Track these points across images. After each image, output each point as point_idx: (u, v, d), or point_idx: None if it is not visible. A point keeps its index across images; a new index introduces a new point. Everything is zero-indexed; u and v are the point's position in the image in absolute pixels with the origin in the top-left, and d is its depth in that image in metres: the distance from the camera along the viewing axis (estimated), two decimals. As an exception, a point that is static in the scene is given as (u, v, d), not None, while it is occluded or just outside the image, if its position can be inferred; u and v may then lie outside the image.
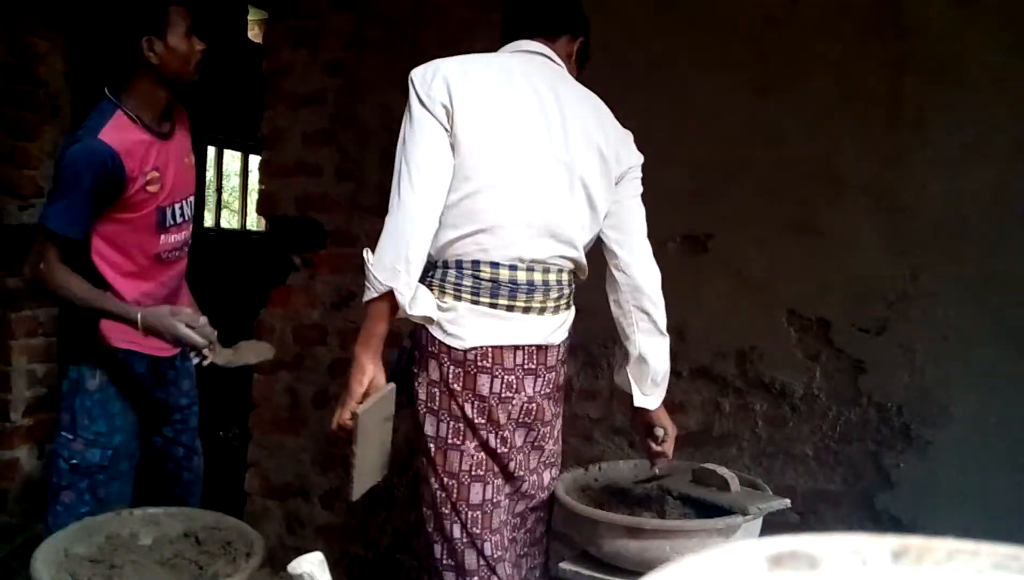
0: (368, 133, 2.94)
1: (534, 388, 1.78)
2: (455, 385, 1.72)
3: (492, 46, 1.90)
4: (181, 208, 2.23)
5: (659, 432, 1.92)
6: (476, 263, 1.71)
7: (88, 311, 2.06)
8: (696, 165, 2.56)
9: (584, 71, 1.96)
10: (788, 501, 1.77)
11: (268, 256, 3.23)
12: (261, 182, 3.17)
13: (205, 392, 2.49)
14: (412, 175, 1.66)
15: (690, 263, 2.58)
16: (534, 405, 1.79)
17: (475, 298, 1.71)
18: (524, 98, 1.73)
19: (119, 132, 2.06)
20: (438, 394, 1.74)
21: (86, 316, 2.11)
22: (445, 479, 1.73)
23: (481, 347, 1.71)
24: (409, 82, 1.69)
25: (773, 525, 1.74)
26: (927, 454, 2.37)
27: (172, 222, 2.20)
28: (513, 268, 1.72)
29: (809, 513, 2.44)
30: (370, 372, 1.71)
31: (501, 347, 1.72)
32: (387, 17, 2.90)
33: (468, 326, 1.71)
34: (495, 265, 1.71)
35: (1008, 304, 2.30)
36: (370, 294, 1.65)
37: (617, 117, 1.90)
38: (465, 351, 1.71)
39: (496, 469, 1.76)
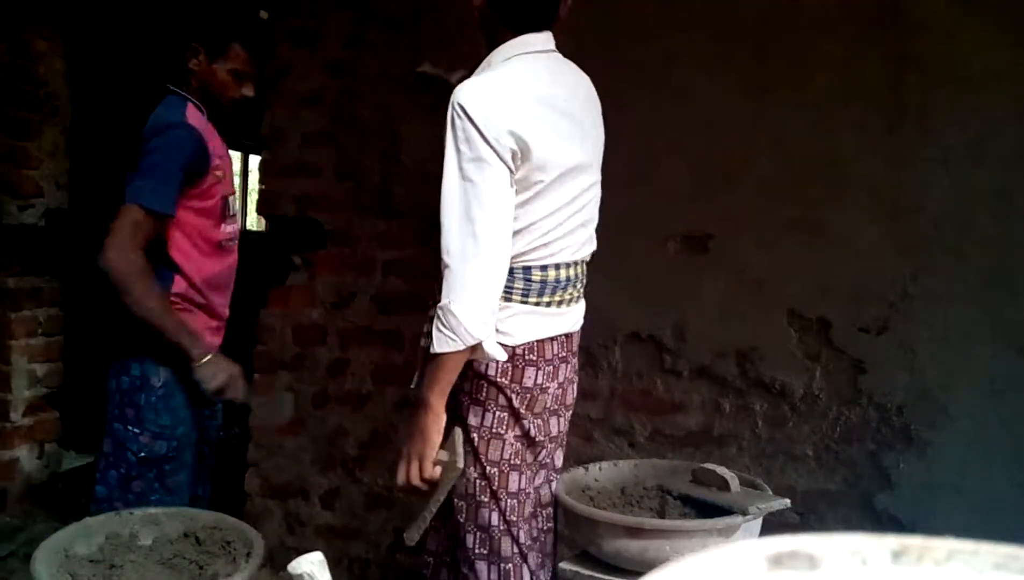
0: (368, 133, 2.94)
1: (564, 374, 1.87)
2: (502, 379, 1.76)
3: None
4: (234, 199, 2.34)
5: None
6: (528, 269, 1.76)
7: (148, 321, 2.08)
8: (696, 164, 2.56)
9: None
10: (788, 501, 1.76)
11: (268, 256, 3.23)
12: (261, 182, 3.17)
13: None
14: (488, 221, 1.63)
15: (690, 263, 2.58)
16: (562, 390, 1.88)
17: (525, 299, 1.77)
18: (562, 112, 1.76)
19: (197, 120, 2.17)
20: (485, 386, 1.77)
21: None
22: (488, 467, 1.77)
23: (528, 342, 1.77)
24: (459, 111, 1.64)
25: (773, 525, 1.74)
26: (927, 454, 2.37)
27: (230, 212, 2.30)
28: (557, 268, 1.80)
29: (809, 513, 2.44)
30: (444, 420, 1.71)
31: (543, 340, 1.80)
32: (387, 17, 2.89)
33: (519, 324, 1.76)
34: (544, 269, 1.78)
35: (1008, 304, 2.30)
36: (455, 346, 1.62)
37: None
38: (514, 347, 1.75)
39: (529, 459, 1.83)
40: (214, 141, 2.23)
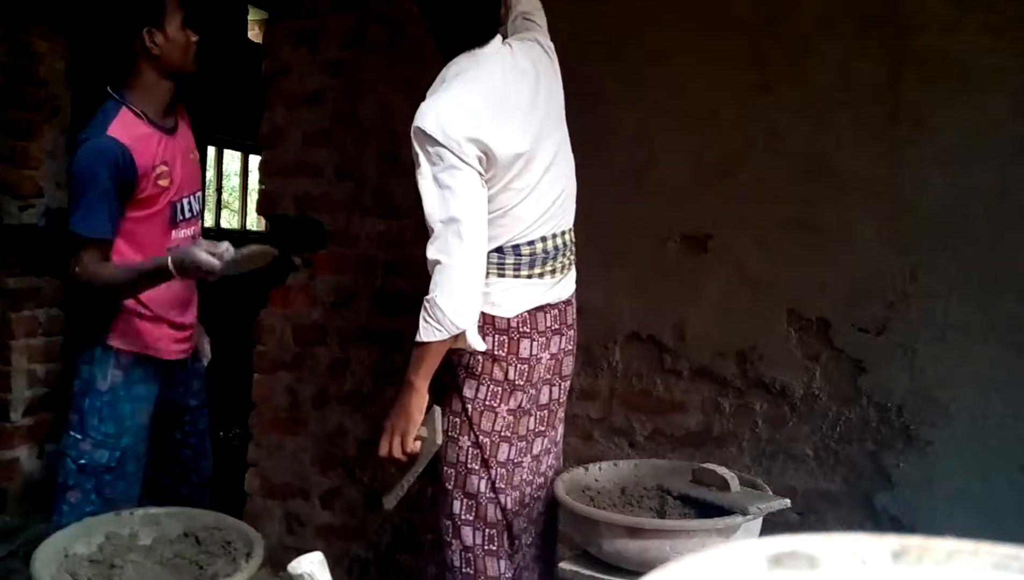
0: (368, 133, 2.94)
1: (559, 345, 2.01)
2: (499, 351, 1.90)
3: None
4: (190, 203, 2.27)
5: None
6: (516, 246, 1.90)
7: (127, 290, 2.09)
8: (695, 163, 2.56)
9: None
10: (788, 501, 1.77)
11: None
12: (261, 182, 3.17)
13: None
14: (466, 225, 1.76)
15: (690, 263, 2.58)
16: (556, 361, 2.01)
17: (517, 272, 1.90)
18: (516, 103, 1.89)
19: (126, 128, 2.08)
20: (481, 360, 1.89)
21: (99, 315, 2.12)
22: (480, 437, 1.90)
23: (522, 314, 1.91)
24: (422, 134, 1.77)
25: (773, 525, 1.74)
26: (927, 454, 2.37)
27: (183, 217, 2.23)
28: (543, 240, 1.93)
29: (809, 513, 2.44)
30: (426, 401, 1.86)
31: (535, 311, 1.93)
32: (387, 17, 2.89)
33: (513, 297, 1.90)
34: (531, 243, 1.91)
35: (1008, 304, 2.30)
36: (439, 335, 1.76)
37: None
38: (509, 319, 1.90)
39: (521, 431, 1.95)
40: (155, 147, 2.13)
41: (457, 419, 1.93)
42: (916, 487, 2.37)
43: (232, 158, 8.73)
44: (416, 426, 1.86)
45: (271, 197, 3.10)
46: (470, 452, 1.91)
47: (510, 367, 1.91)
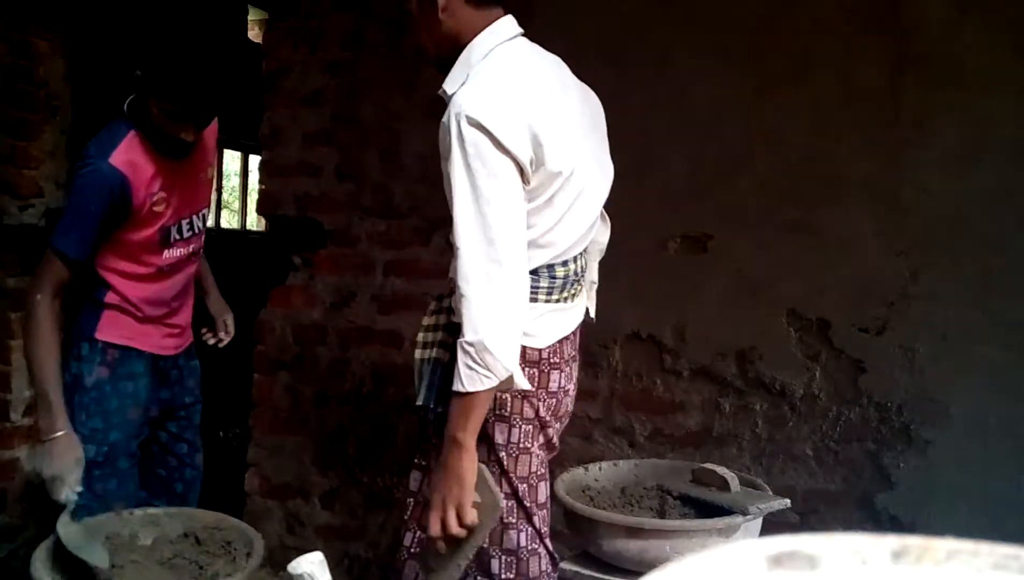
0: (368, 133, 2.94)
1: (575, 374, 1.83)
2: (530, 386, 1.67)
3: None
4: (190, 222, 2.20)
5: None
6: (551, 266, 1.68)
7: (32, 368, 2.05)
8: (695, 165, 2.56)
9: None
10: (788, 501, 1.76)
11: (268, 256, 3.23)
12: (261, 182, 3.17)
13: (205, 392, 2.49)
14: (509, 243, 1.51)
15: (690, 263, 2.58)
16: (574, 393, 1.84)
17: (549, 297, 1.69)
18: (561, 105, 1.67)
19: (130, 154, 2.03)
20: (509, 399, 1.65)
21: (87, 313, 2.12)
22: (518, 484, 1.67)
23: (552, 344, 1.69)
24: (471, 123, 1.50)
25: (773, 525, 1.74)
26: (927, 454, 2.37)
27: (178, 237, 2.18)
28: (575, 260, 1.73)
29: (809, 513, 2.44)
30: (476, 460, 1.57)
31: (563, 339, 1.72)
32: (387, 17, 2.89)
33: (546, 323, 1.68)
34: (565, 264, 1.70)
35: (1008, 304, 2.30)
36: (489, 383, 1.49)
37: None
38: (541, 350, 1.67)
39: (548, 467, 1.77)
40: (156, 174, 2.07)
41: (493, 468, 1.66)
42: (916, 487, 2.37)
43: (232, 158, 8.73)
44: (472, 492, 1.54)
45: (271, 197, 3.10)
46: (506, 505, 1.65)
47: (540, 403, 1.67)
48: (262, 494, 3.09)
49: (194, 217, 2.22)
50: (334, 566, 1.65)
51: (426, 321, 1.78)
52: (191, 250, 2.24)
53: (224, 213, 9.18)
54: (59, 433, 1.95)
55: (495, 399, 1.62)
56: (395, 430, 2.91)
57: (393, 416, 2.91)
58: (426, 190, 2.86)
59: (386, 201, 2.92)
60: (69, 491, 1.87)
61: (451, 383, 1.55)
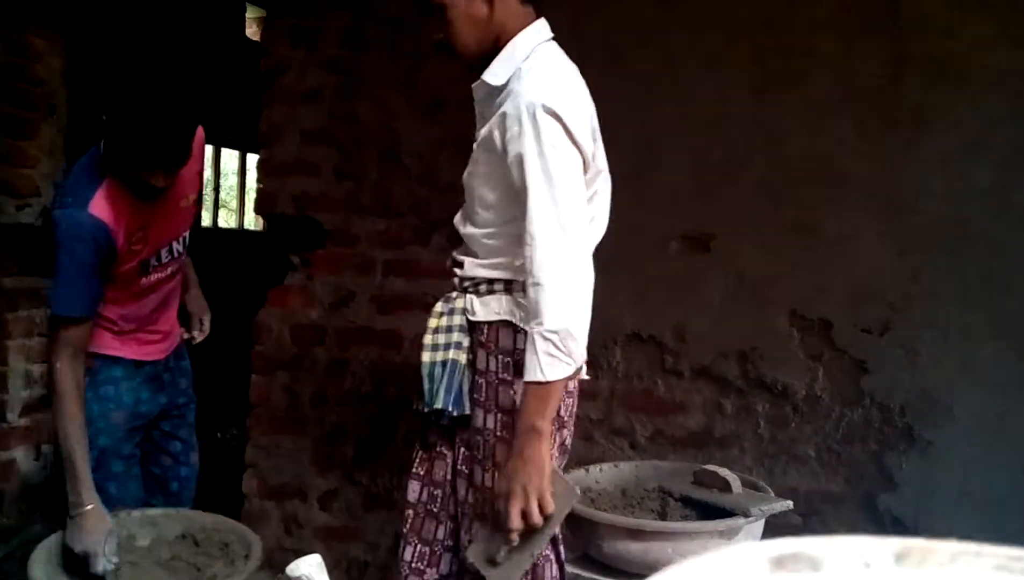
0: (367, 132, 2.93)
1: None
2: None
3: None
4: (169, 249, 2.16)
5: None
6: None
7: (59, 436, 1.99)
8: (697, 165, 2.56)
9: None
10: (790, 503, 1.76)
11: (266, 255, 3.23)
12: (259, 181, 3.17)
13: (203, 393, 2.48)
14: (581, 230, 1.55)
15: (691, 263, 2.57)
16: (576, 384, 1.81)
17: None
18: (591, 111, 1.71)
19: (108, 201, 1.97)
20: None
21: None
22: None
23: None
24: (548, 113, 1.52)
25: (775, 527, 1.73)
26: (929, 455, 2.36)
27: (156, 264, 2.14)
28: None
29: (811, 515, 2.43)
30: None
31: None
32: (386, 15, 2.89)
33: None
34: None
35: (1009, 304, 2.29)
36: (568, 370, 1.52)
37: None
38: None
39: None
40: (134, 217, 2.01)
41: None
42: (919, 488, 2.37)
43: (230, 157, 8.74)
44: (547, 481, 1.53)
45: (269, 196, 3.09)
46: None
47: (560, 403, 1.65)
48: (260, 495, 3.08)
49: (173, 242, 2.17)
50: (332, 568, 1.65)
51: (434, 322, 1.75)
52: (169, 273, 2.20)
53: (222, 212, 9.17)
54: (87, 507, 1.90)
55: (520, 398, 1.61)
56: (394, 430, 2.91)
57: (392, 416, 2.90)
58: (426, 190, 2.85)
59: (385, 200, 2.92)
60: (106, 562, 1.84)
61: (474, 386, 1.60)
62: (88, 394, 2.10)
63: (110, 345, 2.14)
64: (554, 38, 1.73)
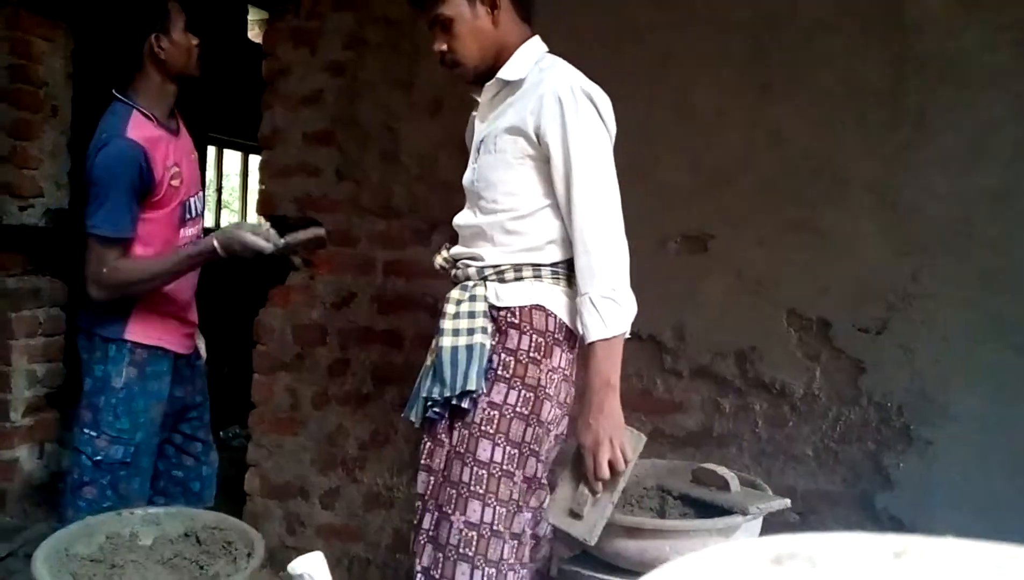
0: (368, 133, 2.94)
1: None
2: (569, 371, 1.77)
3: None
4: (195, 202, 2.29)
5: None
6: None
7: (167, 279, 2.13)
8: (696, 164, 2.56)
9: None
10: (788, 501, 1.76)
11: (268, 256, 3.22)
12: (261, 182, 3.17)
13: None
14: (618, 201, 1.71)
15: (690, 263, 2.58)
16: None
17: (571, 286, 1.78)
18: None
19: (140, 130, 2.10)
20: (557, 381, 1.74)
21: (112, 314, 2.13)
22: (538, 465, 1.73)
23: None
24: (592, 102, 1.69)
25: (773, 525, 1.74)
26: (927, 454, 2.36)
27: (190, 216, 2.26)
28: None
29: (809, 513, 2.44)
30: None
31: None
32: (387, 17, 2.89)
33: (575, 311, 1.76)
34: None
35: (1008, 304, 2.30)
36: (628, 318, 1.69)
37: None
38: (577, 336, 1.75)
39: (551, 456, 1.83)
40: (166, 149, 2.16)
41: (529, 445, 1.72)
42: (916, 487, 2.37)
43: (232, 158, 8.73)
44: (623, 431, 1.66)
45: (271, 197, 3.10)
46: (519, 489, 1.70)
47: (572, 389, 1.79)
48: (262, 494, 3.09)
49: (196, 197, 2.30)
50: (334, 566, 1.65)
51: (452, 309, 1.77)
52: (196, 232, 2.30)
53: (224, 213, 9.17)
54: (211, 241, 2.07)
55: (547, 377, 1.71)
56: (395, 430, 2.91)
57: (393, 416, 2.90)
58: (426, 190, 2.86)
59: (386, 201, 2.92)
60: (274, 236, 2.02)
61: (501, 362, 1.68)
62: (135, 389, 2.15)
63: (159, 333, 2.19)
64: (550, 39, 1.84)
